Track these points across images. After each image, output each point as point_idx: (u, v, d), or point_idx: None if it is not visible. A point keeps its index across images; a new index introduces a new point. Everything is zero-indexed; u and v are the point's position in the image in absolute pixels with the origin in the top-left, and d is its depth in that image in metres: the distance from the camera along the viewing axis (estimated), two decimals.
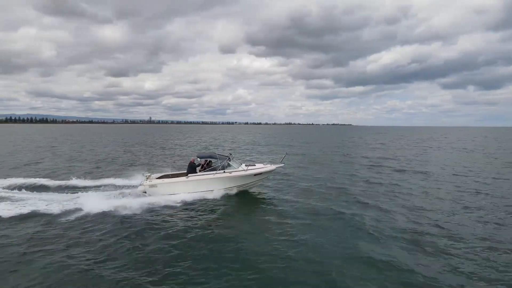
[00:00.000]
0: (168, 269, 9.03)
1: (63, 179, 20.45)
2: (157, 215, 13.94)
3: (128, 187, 18.42)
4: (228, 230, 12.14)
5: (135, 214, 13.85)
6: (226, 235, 11.66)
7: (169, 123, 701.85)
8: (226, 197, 16.87)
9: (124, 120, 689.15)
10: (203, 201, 16.03)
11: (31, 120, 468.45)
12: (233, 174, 16.95)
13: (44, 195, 16.52)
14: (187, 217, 13.82)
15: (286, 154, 21.45)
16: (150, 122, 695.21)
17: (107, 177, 21.60)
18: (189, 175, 17.08)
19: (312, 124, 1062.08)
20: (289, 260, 9.58)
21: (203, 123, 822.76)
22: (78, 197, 15.77)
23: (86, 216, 13.50)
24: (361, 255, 9.98)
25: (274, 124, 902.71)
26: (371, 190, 19.25)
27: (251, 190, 18.45)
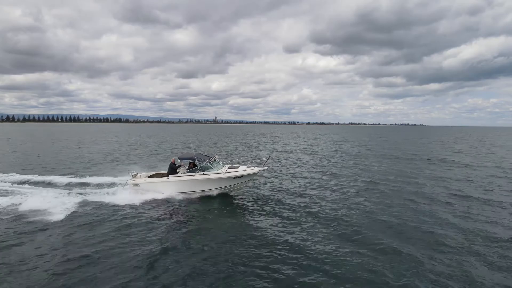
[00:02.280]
0: (132, 272, 9.03)
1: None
2: (130, 216, 13.91)
3: (114, 185, 19.13)
4: (195, 232, 12.15)
5: (113, 214, 14.03)
6: (192, 237, 11.63)
7: (231, 123, 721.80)
8: (203, 199, 16.86)
9: (189, 120, 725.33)
10: (180, 202, 16.12)
11: (107, 120, 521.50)
12: (212, 176, 16.81)
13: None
14: (159, 217, 13.83)
15: (270, 157, 21.39)
16: (215, 121, 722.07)
17: (97, 175, 22.15)
18: (169, 176, 17.26)
19: (379, 124, 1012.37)
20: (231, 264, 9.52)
21: (266, 122, 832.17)
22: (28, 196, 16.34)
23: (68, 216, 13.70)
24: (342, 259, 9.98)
25: (338, 124, 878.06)
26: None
27: (233, 193, 18.16)
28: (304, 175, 24.27)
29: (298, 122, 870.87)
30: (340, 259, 9.88)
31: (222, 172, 16.94)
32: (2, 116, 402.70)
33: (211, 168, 17.16)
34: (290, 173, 24.98)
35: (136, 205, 15.31)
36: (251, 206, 15.92)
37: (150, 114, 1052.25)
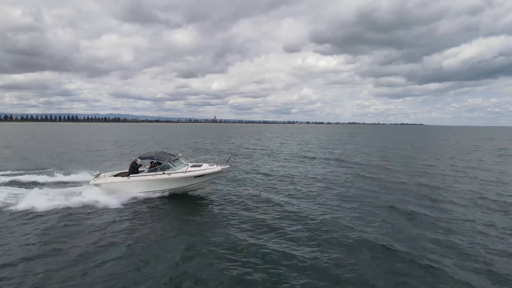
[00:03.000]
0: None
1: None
2: (86, 217, 13.70)
3: (77, 184, 18.98)
4: (152, 234, 11.87)
5: (69, 214, 13.91)
6: (148, 239, 11.37)
7: (231, 123, 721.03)
8: (163, 199, 16.63)
9: (188, 119, 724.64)
10: (140, 203, 15.96)
11: (105, 119, 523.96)
12: (172, 175, 16.63)
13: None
14: (116, 219, 13.59)
15: (232, 155, 20.94)
16: (214, 121, 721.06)
17: (66, 174, 22.01)
18: (130, 175, 17.13)
19: (378, 123, 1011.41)
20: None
21: (265, 122, 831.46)
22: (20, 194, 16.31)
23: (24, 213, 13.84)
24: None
25: (337, 123, 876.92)
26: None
27: (196, 192, 18.02)
28: (267, 176, 23.95)
29: (297, 122, 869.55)
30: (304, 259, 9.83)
31: (183, 171, 16.71)
32: (0, 115, 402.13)
33: (172, 167, 16.94)
34: (254, 173, 24.92)
35: (95, 206, 15.09)
36: (214, 206, 15.87)
37: (150, 114, 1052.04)
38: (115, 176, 17.86)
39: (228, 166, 17.76)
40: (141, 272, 8.96)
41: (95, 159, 31.42)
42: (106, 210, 14.74)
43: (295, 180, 21.96)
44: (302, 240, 11.24)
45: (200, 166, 17.47)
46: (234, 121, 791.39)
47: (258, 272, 8.98)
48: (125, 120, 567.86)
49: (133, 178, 16.99)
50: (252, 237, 11.58)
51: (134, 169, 17.51)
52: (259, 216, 13.95)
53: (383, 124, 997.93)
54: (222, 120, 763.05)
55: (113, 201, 15.57)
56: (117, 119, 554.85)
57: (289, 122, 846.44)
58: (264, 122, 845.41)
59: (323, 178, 22.55)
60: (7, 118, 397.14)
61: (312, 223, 12.96)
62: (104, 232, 11.99)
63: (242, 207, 15.42)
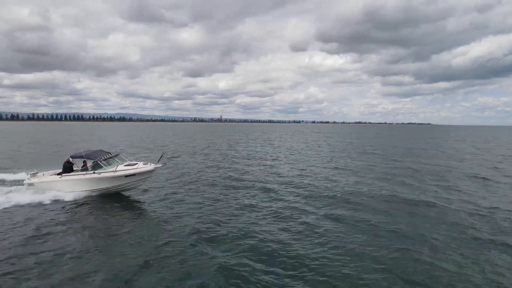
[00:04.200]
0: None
1: None
2: (15, 218, 13.22)
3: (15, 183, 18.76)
4: (81, 235, 11.56)
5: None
6: (78, 240, 11.08)
7: (236, 122, 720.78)
8: (92, 198, 16.21)
9: (193, 119, 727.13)
10: (72, 203, 15.49)
11: (111, 119, 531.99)
12: (102, 175, 16.26)
13: None
14: (49, 220, 13.10)
15: (164, 153, 19.85)
16: (219, 120, 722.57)
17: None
18: (63, 175, 16.89)
19: (385, 123, 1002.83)
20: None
21: (270, 121, 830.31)
22: None
23: None
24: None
25: (343, 123, 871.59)
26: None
27: (129, 192, 17.43)
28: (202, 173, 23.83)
29: (302, 121, 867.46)
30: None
31: (112, 170, 16.30)
32: (6, 115, 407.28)
33: (103, 166, 16.60)
34: (193, 172, 24.41)
35: (24, 206, 14.74)
36: (143, 205, 15.53)
37: (158, 113, 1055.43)
38: (57, 174, 17.41)
39: (161, 165, 17.03)
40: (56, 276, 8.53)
41: (53, 158, 30.83)
42: (35, 209, 14.37)
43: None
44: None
45: (134, 165, 16.91)
46: (239, 121, 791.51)
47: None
48: (130, 120, 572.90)
49: (65, 177, 16.69)
50: (176, 236, 11.29)
51: (67, 168, 17.19)
52: (188, 214, 13.83)
53: (390, 123, 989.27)
54: (227, 120, 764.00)
55: (44, 201, 15.38)
56: (122, 119, 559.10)
57: (294, 122, 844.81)
58: (270, 121, 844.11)
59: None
60: (14, 117, 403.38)
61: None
62: (25, 233, 11.54)
63: (173, 206, 15.05)
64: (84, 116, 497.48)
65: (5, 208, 14.27)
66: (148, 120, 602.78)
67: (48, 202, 15.31)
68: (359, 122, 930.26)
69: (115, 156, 18.18)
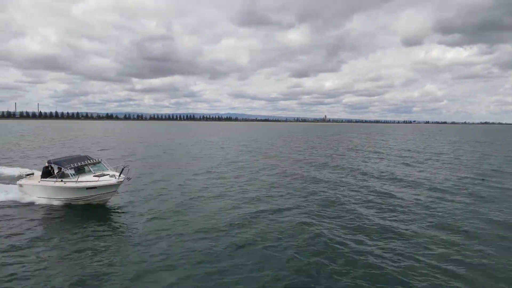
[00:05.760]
0: None
1: None
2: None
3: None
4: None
5: None
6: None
7: (339, 122, 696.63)
8: (68, 208, 15.62)
9: (296, 119, 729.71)
10: (38, 209, 15.34)
11: (219, 119, 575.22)
12: (66, 184, 15.60)
13: None
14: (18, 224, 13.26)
15: (125, 166, 16.88)
16: (323, 120, 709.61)
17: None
18: (41, 180, 16.67)
19: None
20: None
21: (377, 121, 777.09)
22: None
23: None
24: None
25: (464, 123, 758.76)
26: None
27: (102, 203, 16.15)
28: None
29: (414, 121, 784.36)
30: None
31: (74, 181, 15.48)
32: (133, 115, 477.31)
33: (69, 175, 15.78)
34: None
35: (6, 207, 15.23)
36: (111, 219, 14.46)
37: (265, 113, 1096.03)
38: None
39: (122, 179, 15.53)
40: None
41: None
42: (9, 211, 14.86)
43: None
44: None
45: (104, 176, 15.89)
46: (344, 121, 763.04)
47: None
48: (236, 119, 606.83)
49: (41, 183, 16.43)
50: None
51: (44, 173, 16.79)
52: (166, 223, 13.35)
53: None
54: (331, 120, 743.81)
55: (20, 204, 15.86)
56: (229, 118, 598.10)
57: (405, 122, 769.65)
58: (377, 121, 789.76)
59: None
60: (139, 117, 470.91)
61: None
62: None
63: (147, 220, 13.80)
64: (196, 116, 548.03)
65: None
66: (252, 120, 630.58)
67: (22, 205, 15.58)
68: (485, 123, 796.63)
69: (93, 164, 17.32)
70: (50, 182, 16.15)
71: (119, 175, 15.74)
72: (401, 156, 36.92)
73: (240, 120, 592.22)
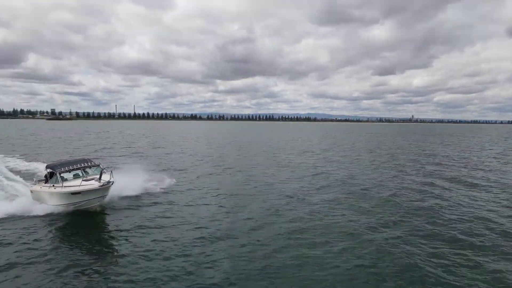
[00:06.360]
0: None
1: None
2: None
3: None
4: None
5: None
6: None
7: (428, 122, 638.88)
8: (60, 214, 15.26)
9: (379, 119, 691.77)
10: (38, 216, 15.08)
11: (297, 119, 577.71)
12: (54, 190, 15.16)
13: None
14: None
15: (104, 168, 16.23)
16: (410, 121, 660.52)
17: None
18: (42, 185, 16.45)
19: None
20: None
21: (474, 122, 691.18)
22: None
23: None
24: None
25: None
26: None
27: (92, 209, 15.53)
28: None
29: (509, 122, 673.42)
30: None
31: (60, 186, 15.19)
32: (213, 115, 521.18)
33: (58, 180, 15.48)
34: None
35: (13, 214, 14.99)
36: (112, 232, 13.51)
37: (347, 113, 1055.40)
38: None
39: (102, 183, 14.38)
40: None
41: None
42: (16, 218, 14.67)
43: None
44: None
45: (92, 180, 15.16)
46: (434, 121, 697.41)
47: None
48: (315, 119, 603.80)
49: (42, 188, 16.12)
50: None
51: (45, 178, 16.74)
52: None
53: None
54: (418, 120, 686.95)
55: (27, 210, 15.32)
56: (307, 118, 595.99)
57: (509, 122, 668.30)
58: (474, 121, 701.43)
59: None
60: (221, 117, 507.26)
61: None
62: None
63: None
64: (275, 116, 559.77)
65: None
66: (332, 120, 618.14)
67: (30, 212, 15.15)
68: None
69: (89, 167, 16.94)
70: (44, 188, 15.67)
71: (99, 179, 14.56)
72: None
73: (319, 120, 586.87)
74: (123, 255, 11.01)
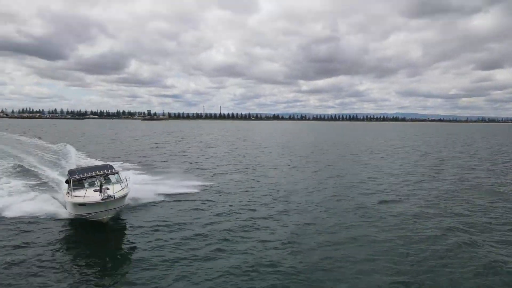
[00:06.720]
0: None
1: None
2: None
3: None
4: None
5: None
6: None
7: None
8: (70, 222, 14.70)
9: (480, 118, 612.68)
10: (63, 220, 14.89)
11: (383, 119, 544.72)
12: (70, 199, 14.11)
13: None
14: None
15: (102, 182, 14.66)
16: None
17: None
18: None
19: None
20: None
21: None
22: None
23: None
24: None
25: None
26: None
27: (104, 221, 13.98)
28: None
29: None
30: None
31: (71, 194, 14.34)
32: (295, 115, 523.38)
33: (71, 187, 14.69)
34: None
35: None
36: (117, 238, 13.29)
37: (442, 112, 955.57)
38: None
39: (101, 198, 12.95)
40: None
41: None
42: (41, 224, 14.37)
43: None
44: None
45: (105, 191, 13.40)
46: None
47: None
48: (403, 120, 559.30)
49: (63, 193, 15.91)
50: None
51: (66, 183, 15.82)
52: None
53: None
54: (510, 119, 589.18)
55: (53, 214, 15.18)
56: (395, 119, 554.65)
57: None
58: None
59: None
60: (303, 117, 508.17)
61: None
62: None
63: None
64: (359, 116, 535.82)
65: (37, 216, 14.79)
66: (423, 120, 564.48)
67: (58, 216, 15.00)
68: None
69: (104, 175, 15.60)
70: (64, 194, 15.06)
71: (100, 193, 13.19)
72: None
73: (407, 121, 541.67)
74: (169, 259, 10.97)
